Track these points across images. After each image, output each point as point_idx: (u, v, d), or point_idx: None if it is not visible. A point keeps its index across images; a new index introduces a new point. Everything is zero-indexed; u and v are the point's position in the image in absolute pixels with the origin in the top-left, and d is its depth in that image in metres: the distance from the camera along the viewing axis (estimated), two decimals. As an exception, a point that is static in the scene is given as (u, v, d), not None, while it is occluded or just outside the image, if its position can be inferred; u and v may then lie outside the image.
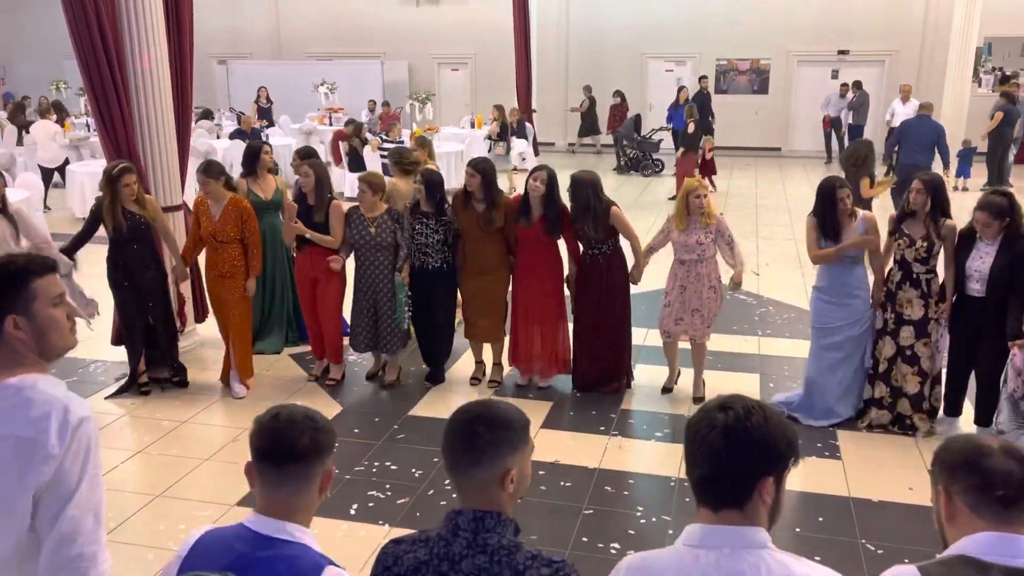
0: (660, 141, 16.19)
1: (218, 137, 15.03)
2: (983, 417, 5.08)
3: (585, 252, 5.68)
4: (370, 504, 4.47)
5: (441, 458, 1.78)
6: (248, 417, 5.48)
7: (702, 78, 16.72)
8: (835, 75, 17.98)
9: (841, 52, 18.02)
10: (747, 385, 5.97)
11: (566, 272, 5.85)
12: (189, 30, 6.56)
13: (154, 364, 5.97)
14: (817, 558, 3.93)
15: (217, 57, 20.97)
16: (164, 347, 5.89)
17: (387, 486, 4.65)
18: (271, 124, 16.79)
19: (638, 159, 16.02)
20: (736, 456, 1.54)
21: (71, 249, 5.69)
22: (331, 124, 16.26)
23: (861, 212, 5.25)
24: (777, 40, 18.20)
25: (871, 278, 5.32)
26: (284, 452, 1.79)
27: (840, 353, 5.29)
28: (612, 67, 18.92)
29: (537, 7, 17.39)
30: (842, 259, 5.20)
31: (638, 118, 16.40)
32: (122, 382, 5.98)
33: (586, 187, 5.51)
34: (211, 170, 5.74)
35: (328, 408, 5.70)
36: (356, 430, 5.38)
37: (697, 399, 5.76)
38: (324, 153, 14.62)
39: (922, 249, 5.04)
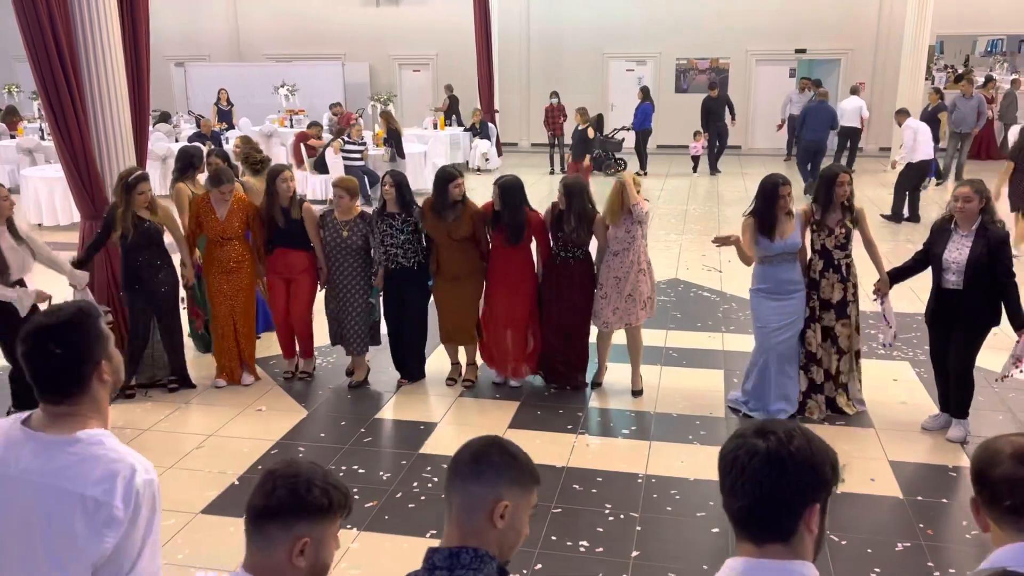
0: (622, 140, 16.31)
1: (176, 140, 14.81)
2: (960, 409, 5.17)
3: (558, 254, 5.71)
4: (338, 509, 4.43)
5: (445, 486, 1.69)
6: (215, 422, 5.45)
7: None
8: (792, 74, 18.24)
9: (798, 51, 18.29)
10: (711, 381, 6.03)
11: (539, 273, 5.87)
12: (145, 32, 6.46)
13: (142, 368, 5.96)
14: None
15: (174, 59, 20.66)
16: (170, 353, 5.94)
17: (354, 490, 4.61)
18: (231, 127, 16.59)
19: (601, 159, 16.11)
20: (781, 485, 1.43)
21: (84, 260, 5.71)
22: (292, 126, 16.11)
23: (798, 210, 5.34)
24: (736, 40, 18.43)
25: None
26: (254, 512, 1.68)
27: (784, 349, 5.39)
28: (573, 67, 19.01)
29: (498, 8, 17.41)
30: (780, 257, 5.29)
31: (600, 118, 16.48)
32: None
33: (580, 193, 5.61)
34: (228, 179, 5.83)
35: (294, 412, 5.66)
36: (322, 434, 5.35)
37: (636, 392, 5.84)
38: (285, 156, 14.48)
39: (840, 236, 5.26)
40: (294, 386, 6.12)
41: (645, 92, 16.30)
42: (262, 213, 5.95)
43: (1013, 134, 14.74)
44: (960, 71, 18.97)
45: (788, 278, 5.33)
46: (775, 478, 1.44)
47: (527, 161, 17.29)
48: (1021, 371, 4.98)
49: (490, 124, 16.70)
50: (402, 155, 12.95)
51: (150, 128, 7.72)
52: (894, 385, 6.00)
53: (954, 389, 5.16)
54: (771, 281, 5.35)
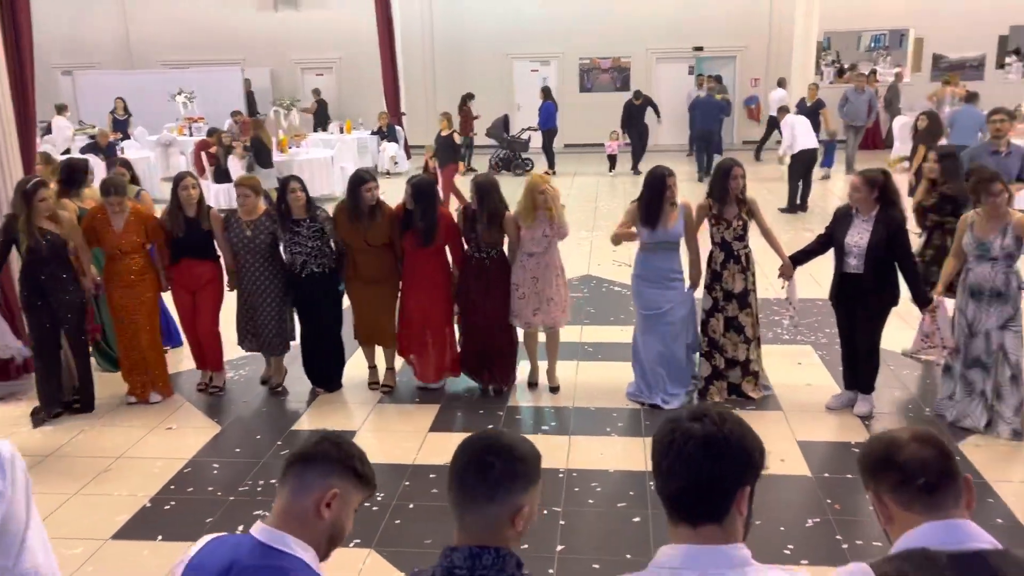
0: (528, 140, 16.43)
1: (67, 152, 14.13)
2: (867, 385, 5.43)
3: (473, 255, 5.70)
4: (257, 524, 4.33)
5: (447, 492, 1.66)
6: (123, 442, 5.24)
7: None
8: (691, 71, 18.75)
9: (696, 48, 18.82)
10: (626, 374, 6.11)
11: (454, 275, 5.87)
12: (28, 39, 6.16)
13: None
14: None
15: (61, 67, 19.73)
16: (78, 371, 5.70)
17: (273, 504, 4.50)
18: (126, 137, 15.97)
19: (509, 159, 16.21)
20: (717, 466, 1.48)
21: None
22: (191, 135, 15.62)
23: (681, 201, 5.52)
24: (636, 39, 18.82)
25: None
26: (302, 456, 1.77)
27: (670, 335, 5.56)
28: (478, 68, 19.06)
29: (400, 10, 17.29)
30: (662, 246, 5.47)
31: (506, 118, 16.60)
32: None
33: (492, 192, 5.62)
34: (120, 190, 5.61)
35: (206, 428, 5.49)
36: (238, 449, 5.21)
37: (553, 389, 5.91)
38: (186, 166, 14.03)
39: (738, 227, 5.47)
40: (206, 401, 5.94)
41: (547, 92, 16.51)
42: (165, 223, 5.77)
43: (898, 125, 15.54)
44: (846, 66, 19.88)
45: (669, 267, 5.52)
46: (711, 460, 1.48)
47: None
48: (929, 346, 5.27)
49: (397, 127, 16.58)
50: (264, 165, 12.20)
51: (37, 139, 7.36)
52: (799, 368, 6.24)
53: (862, 366, 5.41)
54: (651, 269, 5.53)
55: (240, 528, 4.29)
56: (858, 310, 5.30)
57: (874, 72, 17.87)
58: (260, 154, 12.26)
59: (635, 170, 15.94)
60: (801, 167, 11.76)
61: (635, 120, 15.98)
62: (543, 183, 5.62)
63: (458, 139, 12.99)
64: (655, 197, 5.40)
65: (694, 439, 1.49)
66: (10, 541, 1.83)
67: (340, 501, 1.74)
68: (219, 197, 12.70)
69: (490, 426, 5.40)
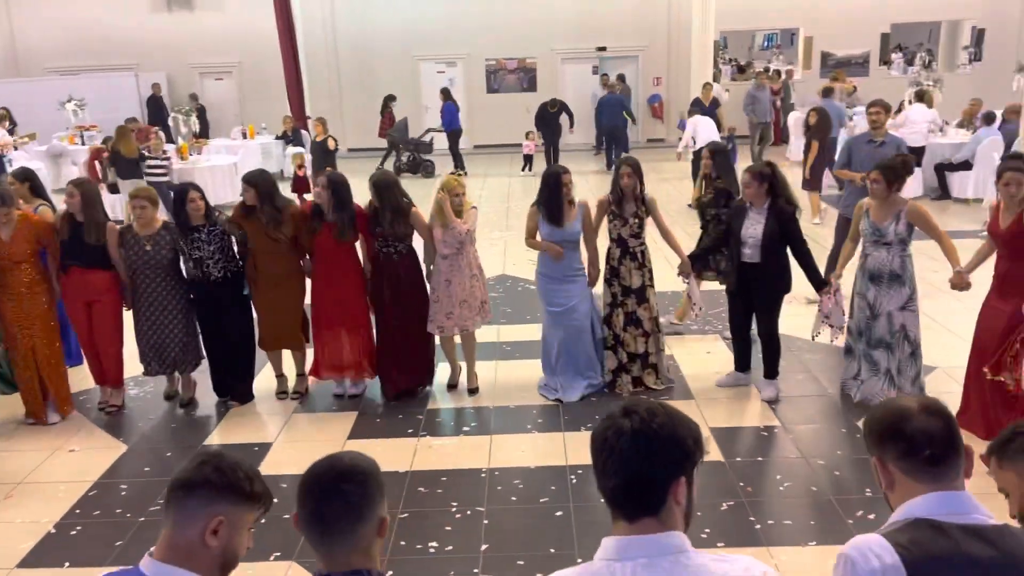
0: (431, 141, 16.33)
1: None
2: (771, 370, 5.67)
3: (381, 250, 5.66)
4: (171, 544, 4.19)
5: (306, 531, 1.67)
6: (22, 468, 4.98)
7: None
8: (595, 71, 19.06)
9: (600, 49, 19.14)
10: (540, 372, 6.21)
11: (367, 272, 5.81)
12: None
13: None
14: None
15: (-62, 75, 18.60)
16: None
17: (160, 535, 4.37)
18: (13, 147, 15.14)
19: (414, 162, 16.04)
20: (647, 460, 1.50)
21: None
22: (84, 143, 14.95)
23: (578, 200, 5.66)
24: (541, 39, 19.00)
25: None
26: (183, 483, 1.69)
27: (576, 328, 5.69)
28: (384, 70, 18.88)
29: (301, 11, 16.99)
30: (563, 244, 5.59)
31: (405, 121, 16.42)
32: None
33: (392, 188, 5.58)
34: (6, 200, 5.35)
35: (111, 449, 5.28)
36: (147, 469, 5.02)
37: (472, 390, 5.94)
38: (78, 174, 13.41)
39: (635, 225, 5.63)
40: (109, 420, 5.70)
41: (446, 93, 16.51)
42: (58, 230, 5.51)
43: (792, 120, 16.14)
44: (742, 64, 20.58)
45: (569, 264, 5.65)
46: (641, 456, 1.50)
47: (346, 167, 16.97)
48: (830, 326, 5.51)
49: (303, 131, 16.27)
50: (125, 176, 11.39)
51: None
52: (708, 357, 6.43)
53: (764, 351, 5.66)
54: (552, 266, 5.64)
55: (152, 550, 4.14)
56: (755, 298, 5.54)
57: (779, 72, 18.47)
58: (119, 165, 11.52)
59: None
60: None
61: (548, 121, 16.21)
62: (459, 187, 5.62)
63: (332, 145, 12.58)
64: (553, 196, 5.50)
65: (624, 435, 1.51)
66: None
67: (227, 527, 1.67)
68: (115, 207, 12.19)
69: (409, 430, 5.37)
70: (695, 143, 11.99)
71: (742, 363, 5.85)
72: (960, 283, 5.07)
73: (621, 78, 17.90)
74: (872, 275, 5.28)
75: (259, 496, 1.73)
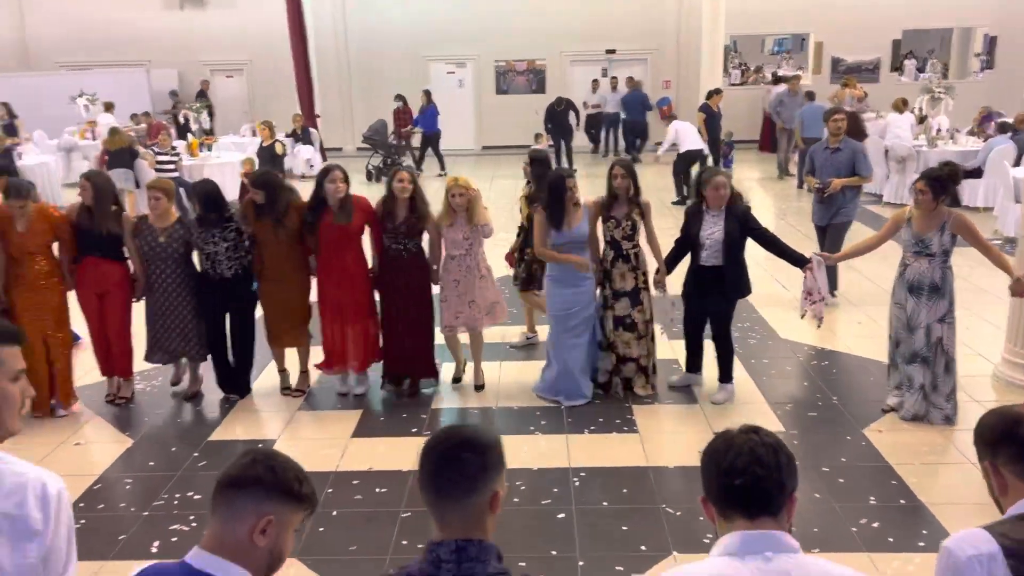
0: (406, 144, 16.13)
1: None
2: (725, 374, 5.73)
3: (391, 246, 5.67)
4: (174, 539, 4.21)
5: (421, 494, 1.72)
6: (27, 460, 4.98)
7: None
8: (605, 73, 19.06)
9: (609, 51, 19.14)
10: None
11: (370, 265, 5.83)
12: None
13: None
14: (624, 527, 4.19)
15: (-50, 69, 18.70)
16: None
17: (191, 517, 4.39)
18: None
19: (389, 164, 15.33)
20: (778, 465, 1.64)
21: None
22: (95, 138, 15.02)
23: (584, 201, 5.64)
24: (551, 41, 19.01)
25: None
26: (233, 481, 1.68)
27: (581, 334, 5.68)
28: (394, 70, 18.91)
29: (312, 11, 17.03)
30: (569, 246, 5.56)
31: (383, 123, 16.07)
32: None
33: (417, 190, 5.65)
34: (21, 193, 5.40)
35: (117, 443, 5.30)
36: (151, 463, 5.04)
37: (478, 387, 5.95)
38: (89, 168, 13.47)
39: (627, 227, 5.61)
40: (115, 413, 5.74)
41: (428, 95, 16.50)
42: (72, 221, 5.57)
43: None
44: (752, 67, 20.55)
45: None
46: (773, 460, 1.64)
47: (354, 166, 17.01)
48: (813, 302, 5.51)
49: (312, 129, 16.30)
50: (124, 165, 11.66)
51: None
52: (713, 361, 6.40)
53: (718, 356, 5.72)
54: (561, 269, 5.61)
55: (156, 543, 4.16)
56: (712, 302, 5.58)
57: (798, 77, 18.34)
58: (111, 158, 11.75)
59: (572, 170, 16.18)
60: (684, 164, 12.84)
61: (558, 122, 16.22)
62: (456, 187, 5.61)
63: (280, 149, 12.35)
64: (557, 200, 5.48)
65: (755, 441, 1.66)
66: None
67: (276, 526, 1.67)
68: (139, 206, 12.26)
69: (413, 429, 5.38)
70: (678, 148, 12.70)
71: (694, 364, 5.90)
72: (1021, 290, 5.05)
73: (629, 79, 18.05)
74: (911, 286, 5.18)
75: (307, 497, 1.73)
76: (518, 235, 6.55)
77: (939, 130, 12.95)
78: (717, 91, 14.40)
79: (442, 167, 15.93)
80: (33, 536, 1.70)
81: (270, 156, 12.13)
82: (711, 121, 14.01)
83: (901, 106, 13.09)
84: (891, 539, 4.06)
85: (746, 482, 1.63)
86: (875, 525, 4.15)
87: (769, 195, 13.67)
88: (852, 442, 5.09)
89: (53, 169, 14.14)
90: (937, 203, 5.06)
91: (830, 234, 7.38)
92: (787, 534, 1.64)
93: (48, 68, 19.28)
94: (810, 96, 14.43)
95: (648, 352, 5.76)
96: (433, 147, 16.28)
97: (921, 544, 4.01)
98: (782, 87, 15.89)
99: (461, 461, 1.68)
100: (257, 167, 11.97)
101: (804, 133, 12.95)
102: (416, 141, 16.57)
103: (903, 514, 4.30)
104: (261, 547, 1.65)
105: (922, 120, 13.24)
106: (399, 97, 16.77)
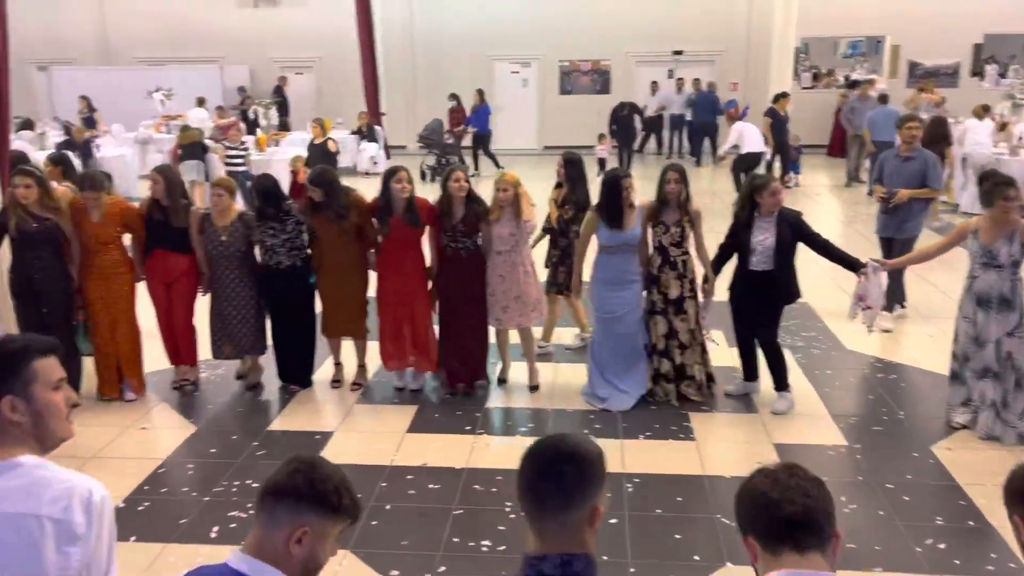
0: (457, 142, 16.02)
1: (42, 148, 13.96)
2: (780, 382, 5.59)
3: (448, 245, 5.70)
4: (232, 525, 4.30)
5: (519, 502, 1.69)
6: (96, 442, 5.17)
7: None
8: (671, 74, 18.85)
9: (676, 52, 18.92)
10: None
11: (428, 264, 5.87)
12: (3, 34, 6.08)
13: None
14: (677, 536, 4.13)
15: (37, 63, 19.49)
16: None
17: (248, 505, 4.48)
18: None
19: (442, 164, 15.28)
20: (827, 499, 1.65)
21: None
22: (169, 132, 15.47)
23: (638, 203, 5.56)
24: (616, 42, 18.89)
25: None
26: (274, 489, 1.71)
27: (627, 337, 5.62)
28: (459, 69, 19.02)
29: (381, 9, 17.24)
30: (621, 248, 5.50)
31: (440, 122, 16.05)
32: None
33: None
34: (96, 184, 5.60)
35: (181, 429, 5.44)
36: (213, 450, 5.16)
37: (532, 388, 5.93)
38: (162, 161, 13.88)
39: (676, 234, 5.51)
40: (180, 400, 5.89)
41: (481, 94, 16.47)
42: (143, 214, 5.75)
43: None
44: (823, 71, 20.06)
45: (627, 268, 5.57)
46: (819, 492, 1.65)
47: (416, 164, 17.19)
48: (863, 308, 5.38)
49: (377, 127, 16.51)
50: (196, 157, 12.20)
51: (11, 135, 7.30)
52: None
53: (770, 363, 5.58)
54: (611, 271, 5.56)
55: (215, 529, 4.26)
56: (760, 307, 5.47)
57: (871, 81, 17.84)
58: (183, 151, 12.35)
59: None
60: (744, 164, 12.77)
61: (623, 126, 16.13)
62: (502, 182, 5.62)
63: (332, 147, 12.38)
64: (613, 200, 5.44)
65: (802, 477, 1.66)
66: None
67: (312, 537, 1.69)
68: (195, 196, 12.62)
69: (467, 427, 5.40)
70: (740, 150, 12.68)
71: (749, 372, 5.77)
72: None
73: (696, 81, 17.82)
74: (980, 299, 5.01)
75: (347, 509, 1.74)
76: (542, 236, 6.47)
77: (1021, 138, 12.46)
78: (784, 95, 14.10)
79: (496, 165, 15.94)
80: (76, 540, 1.75)
81: (321, 153, 12.16)
82: (777, 125, 13.71)
83: (981, 112, 12.64)
84: (957, 561, 3.91)
85: (796, 512, 1.59)
86: (941, 546, 4.01)
87: (837, 201, 13.35)
88: (919, 459, 4.92)
89: (129, 161, 14.61)
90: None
91: (896, 249, 6.99)
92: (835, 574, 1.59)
93: (127, 63, 19.95)
94: (883, 99, 14.03)
95: (694, 360, 5.65)
96: (484, 147, 16.25)
97: (990, 568, 3.86)
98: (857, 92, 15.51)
99: (561, 474, 1.63)
100: (309, 165, 12.18)
101: (874, 136, 12.62)
102: (469, 140, 16.60)
103: (971, 536, 4.14)
104: (296, 556, 1.68)
105: (1003, 127, 12.77)
106: (453, 96, 16.84)
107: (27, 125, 15.36)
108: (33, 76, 19.35)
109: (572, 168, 6.27)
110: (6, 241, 5.54)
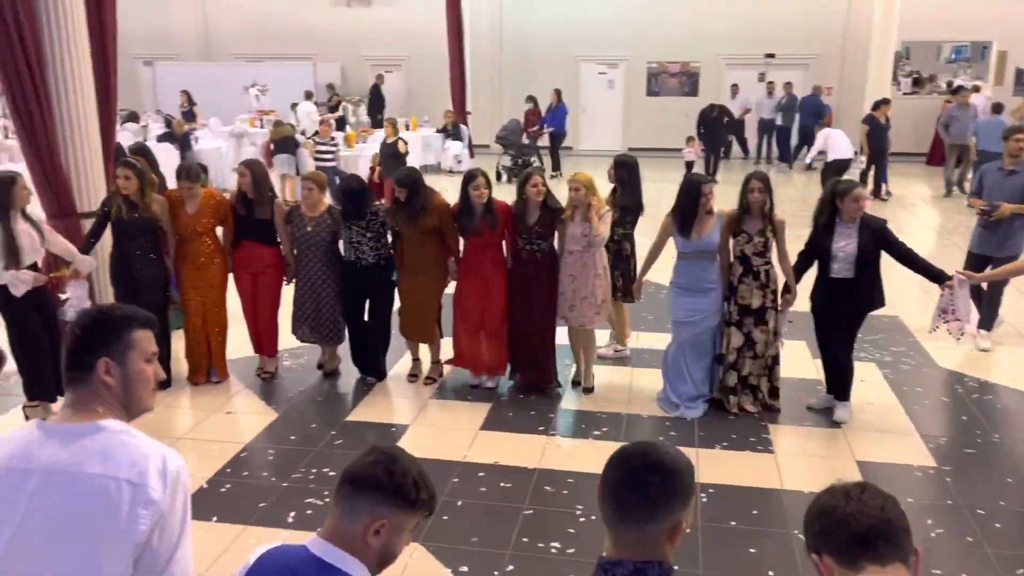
0: (533, 142, 15.85)
1: (144, 140, 14.60)
2: (843, 391, 5.45)
3: (523, 247, 5.71)
4: (308, 512, 4.41)
5: (600, 505, 1.67)
6: (184, 424, 5.39)
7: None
8: (762, 78, 18.42)
9: (768, 55, 18.48)
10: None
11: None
12: (112, 30, 6.38)
13: None
14: (752, 550, 4.03)
15: (143, 58, 20.39)
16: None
17: (325, 493, 4.58)
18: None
19: (520, 165, 15.03)
20: (903, 514, 1.63)
21: (87, 247, 5.77)
22: (262, 127, 15.98)
23: (717, 209, 5.45)
24: (706, 43, 18.58)
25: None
26: (354, 479, 1.74)
27: (701, 344, 5.53)
28: (545, 70, 19.02)
29: (470, 9, 17.39)
30: (698, 254, 5.41)
31: (518, 122, 15.89)
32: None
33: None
34: (192, 175, 5.84)
35: (263, 415, 5.61)
36: (292, 437, 5.30)
37: (587, 390, 5.90)
38: (254, 154, 14.34)
39: (759, 243, 5.37)
40: (262, 387, 6.08)
41: (559, 94, 16.37)
42: (234, 207, 5.96)
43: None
44: (924, 76, 19.28)
45: (704, 275, 5.48)
46: (894, 506, 1.62)
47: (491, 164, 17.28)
48: (947, 320, 5.18)
49: (462, 126, 16.67)
50: (288, 152, 13.01)
51: (117, 127, 7.64)
52: (861, 386, 6.05)
53: (836, 375, 5.44)
54: (688, 277, 5.50)
55: (292, 514, 4.37)
56: (840, 315, 5.30)
57: (977, 87, 17.05)
58: (276, 145, 13.08)
59: (712, 177, 15.81)
60: (832, 172, 12.15)
61: (712, 129, 15.85)
62: (574, 181, 5.59)
63: (403, 148, 12.22)
64: (690, 205, 5.37)
65: (874, 492, 1.64)
66: (157, 558, 1.80)
67: (389, 529, 1.71)
68: (285, 189, 13.00)
69: (540, 428, 5.39)
70: (827, 156, 12.26)
71: (832, 385, 5.58)
72: None
73: (788, 85, 17.34)
74: None
75: (424, 503, 1.76)
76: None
77: None
78: (885, 101, 13.56)
79: (555, 167, 15.84)
80: (150, 504, 1.78)
81: (392, 153, 12.10)
82: (875, 132, 13.19)
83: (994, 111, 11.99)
84: (1052, 596, 3.71)
85: (875, 524, 1.56)
86: (1034, 579, 3.80)
87: (935, 212, 12.82)
88: (1013, 485, 4.68)
89: (224, 153, 15.14)
90: None
91: (994, 268, 6.64)
92: None
93: (225, 59, 20.68)
94: (997, 108, 13.09)
95: (760, 372, 5.52)
96: (555, 146, 16.18)
97: (1088, 606, 3.63)
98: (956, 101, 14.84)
99: (646, 483, 1.58)
100: (382, 164, 12.33)
101: (981, 146, 12.04)
102: (545, 141, 16.55)
103: (1069, 570, 3.91)
104: (373, 546, 1.70)
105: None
106: (530, 98, 16.80)
107: (132, 118, 16.08)
108: (139, 71, 20.26)
109: (622, 170, 6.21)
110: (108, 228, 5.82)
